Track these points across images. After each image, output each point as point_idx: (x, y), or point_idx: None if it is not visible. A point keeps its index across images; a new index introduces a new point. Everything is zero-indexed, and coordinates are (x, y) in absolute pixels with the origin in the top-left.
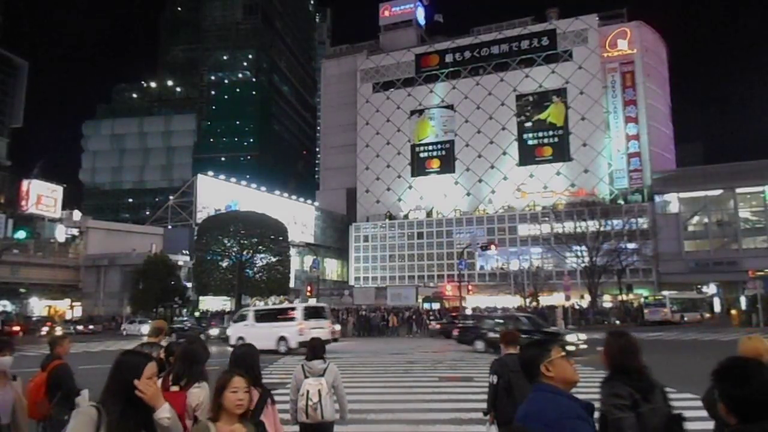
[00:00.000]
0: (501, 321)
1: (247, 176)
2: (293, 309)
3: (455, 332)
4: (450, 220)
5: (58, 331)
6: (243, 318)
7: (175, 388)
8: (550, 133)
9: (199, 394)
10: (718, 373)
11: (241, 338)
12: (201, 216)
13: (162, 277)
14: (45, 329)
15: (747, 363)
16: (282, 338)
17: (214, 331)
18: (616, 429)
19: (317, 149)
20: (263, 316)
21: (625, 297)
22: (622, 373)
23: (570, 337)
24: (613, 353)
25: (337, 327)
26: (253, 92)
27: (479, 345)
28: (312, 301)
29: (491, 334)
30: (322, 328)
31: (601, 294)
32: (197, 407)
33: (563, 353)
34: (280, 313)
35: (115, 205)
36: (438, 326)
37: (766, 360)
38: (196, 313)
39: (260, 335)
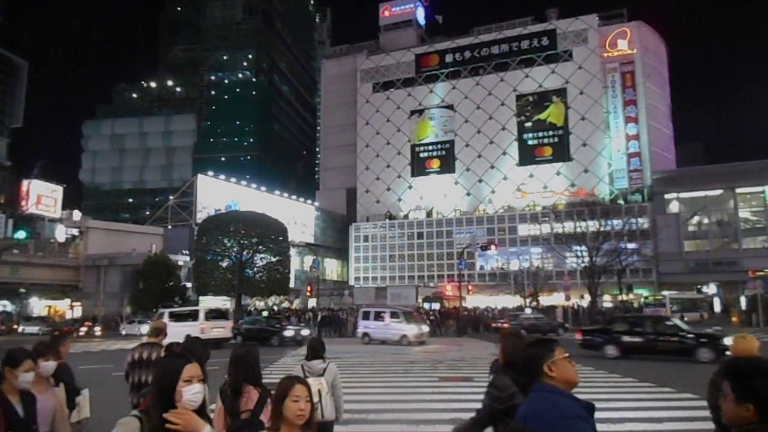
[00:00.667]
0: (638, 321)
1: (247, 176)
2: (198, 311)
3: (578, 335)
4: (450, 220)
5: (97, 331)
6: (160, 317)
7: None
8: (550, 133)
9: None
10: (740, 370)
11: None
12: (201, 216)
13: (162, 277)
14: (83, 330)
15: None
16: (188, 335)
17: (288, 333)
18: (487, 413)
19: (317, 149)
20: (175, 316)
21: (625, 297)
22: (511, 367)
23: (728, 340)
24: (506, 350)
25: (425, 328)
26: (253, 92)
27: (610, 351)
28: (312, 302)
29: (627, 338)
30: (222, 328)
31: (601, 294)
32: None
33: (566, 354)
34: (188, 314)
35: (115, 205)
36: (505, 325)
37: None
38: (264, 312)
39: (171, 333)
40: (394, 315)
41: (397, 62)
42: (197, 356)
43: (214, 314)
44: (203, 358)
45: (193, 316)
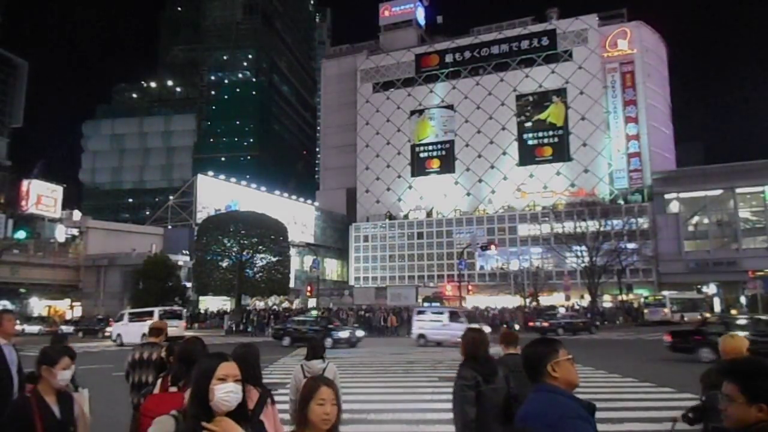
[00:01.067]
0: (735, 322)
1: (247, 176)
2: (153, 311)
3: (667, 337)
4: (450, 220)
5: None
6: (121, 318)
7: (173, 389)
8: (550, 133)
9: None
10: (748, 371)
11: (119, 335)
12: (201, 216)
13: (162, 277)
14: (109, 329)
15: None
16: (144, 334)
17: (342, 334)
18: (460, 401)
19: (317, 149)
20: (133, 316)
21: (625, 297)
22: (472, 359)
23: None
24: (467, 344)
25: (488, 329)
26: (253, 92)
27: (706, 354)
28: (312, 302)
29: None
30: (175, 327)
31: (601, 294)
32: None
33: (570, 356)
34: (145, 314)
35: (115, 205)
36: (546, 325)
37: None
38: (314, 311)
39: (130, 331)
40: (453, 315)
41: (397, 62)
42: (197, 356)
43: (168, 314)
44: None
45: (148, 315)
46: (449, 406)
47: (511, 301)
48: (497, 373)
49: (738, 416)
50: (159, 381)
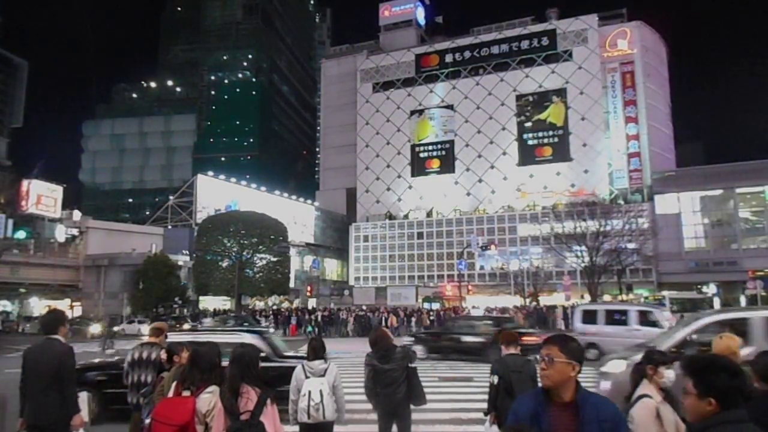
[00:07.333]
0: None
1: (247, 176)
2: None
3: None
4: (450, 220)
5: (144, 329)
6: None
7: (186, 393)
8: (550, 133)
9: (209, 399)
10: (701, 367)
11: None
12: (201, 216)
13: (162, 277)
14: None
15: (726, 358)
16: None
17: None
18: (366, 375)
19: (317, 149)
20: None
21: (625, 297)
22: (373, 348)
23: None
24: (371, 339)
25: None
26: (253, 92)
27: None
28: (312, 302)
29: None
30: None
31: (601, 294)
32: (208, 413)
33: (545, 356)
34: None
35: (115, 205)
36: None
37: (738, 357)
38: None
39: None
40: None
41: (397, 62)
42: (211, 363)
43: None
44: (217, 363)
45: None
46: (450, 405)
47: (511, 301)
48: (393, 357)
49: (692, 409)
50: (173, 385)
